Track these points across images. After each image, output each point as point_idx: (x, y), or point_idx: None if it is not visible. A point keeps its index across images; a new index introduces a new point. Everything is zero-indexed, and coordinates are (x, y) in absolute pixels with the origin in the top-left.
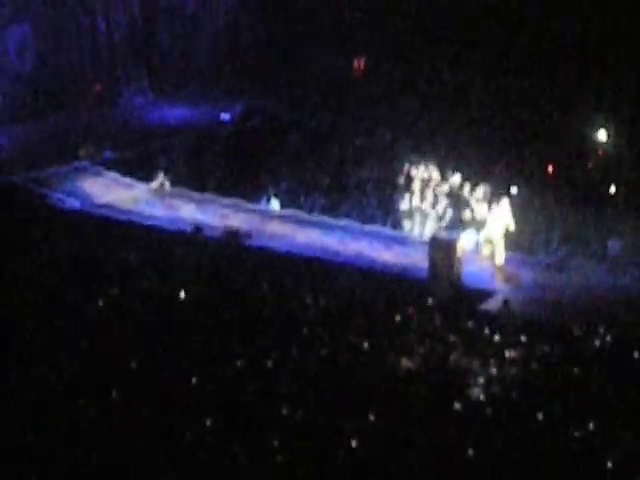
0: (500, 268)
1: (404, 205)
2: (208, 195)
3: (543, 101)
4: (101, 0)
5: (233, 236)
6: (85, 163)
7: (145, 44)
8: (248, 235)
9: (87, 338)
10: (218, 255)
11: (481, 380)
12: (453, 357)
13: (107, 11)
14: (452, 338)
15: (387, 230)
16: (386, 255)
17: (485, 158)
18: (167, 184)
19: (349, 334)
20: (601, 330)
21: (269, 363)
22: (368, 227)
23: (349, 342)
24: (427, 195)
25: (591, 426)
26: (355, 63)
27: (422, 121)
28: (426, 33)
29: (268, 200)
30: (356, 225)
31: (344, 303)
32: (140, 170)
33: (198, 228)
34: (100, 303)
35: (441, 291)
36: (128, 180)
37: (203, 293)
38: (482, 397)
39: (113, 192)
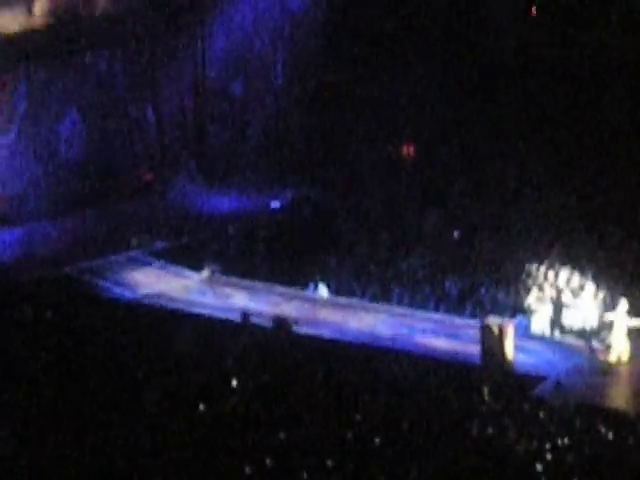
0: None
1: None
2: (259, 283)
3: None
4: (150, 89)
5: (281, 323)
6: (136, 253)
7: (194, 132)
8: (296, 322)
9: (137, 430)
10: (266, 343)
11: (537, 466)
12: (507, 441)
13: (156, 99)
14: (505, 423)
15: (439, 316)
16: (438, 341)
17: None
18: (218, 273)
19: (402, 421)
20: None
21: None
22: (420, 313)
23: (402, 429)
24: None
25: None
26: (404, 150)
27: (473, 206)
28: (476, 120)
29: (315, 287)
30: (408, 311)
31: (395, 389)
32: (191, 259)
33: (246, 316)
34: (149, 393)
35: (493, 376)
36: (179, 269)
37: (249, 382)
38: None
39: (164, 281)
